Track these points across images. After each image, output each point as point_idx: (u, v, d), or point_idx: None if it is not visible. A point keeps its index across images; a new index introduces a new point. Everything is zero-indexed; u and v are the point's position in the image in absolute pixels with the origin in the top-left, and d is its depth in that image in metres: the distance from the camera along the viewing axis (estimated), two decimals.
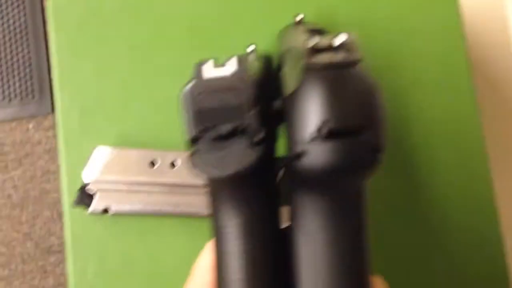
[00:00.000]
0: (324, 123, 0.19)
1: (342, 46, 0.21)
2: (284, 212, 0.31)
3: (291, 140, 0.20)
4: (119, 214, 0.39)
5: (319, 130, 0.19)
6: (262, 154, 0.21)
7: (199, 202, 0.39)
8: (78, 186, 0.39)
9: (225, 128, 0.21)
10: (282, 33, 0.40)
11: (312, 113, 0.19)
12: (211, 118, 0.21)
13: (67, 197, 0.40)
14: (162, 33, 0.42)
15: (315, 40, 0.21)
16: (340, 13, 0.43)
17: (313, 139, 0.19)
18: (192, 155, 0.21)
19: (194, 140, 0.21)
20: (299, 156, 0.20)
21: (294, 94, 0.20)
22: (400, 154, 0.41)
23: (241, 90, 0.21)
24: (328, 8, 0.43)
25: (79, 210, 0.39)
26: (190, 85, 0.21)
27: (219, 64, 0.22)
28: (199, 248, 0.40)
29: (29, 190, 1.03)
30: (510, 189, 0.54)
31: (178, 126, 0.41)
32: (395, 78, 0.42)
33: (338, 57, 0.20)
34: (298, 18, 0.39)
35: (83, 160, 0.39)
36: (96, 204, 0.38)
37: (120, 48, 0.42)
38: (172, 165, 0.39)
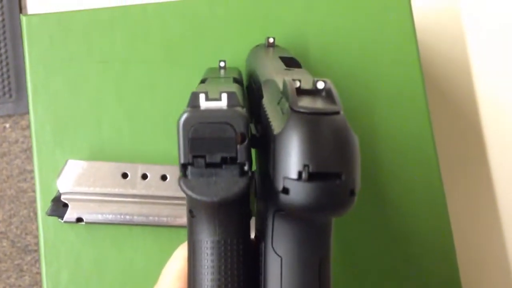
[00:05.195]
0: (306, 166, 0.21)
1: (323, 90, 0.24)
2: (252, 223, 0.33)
3: (276, 176, 0.22)
4: (92, 223, 0.40)
5: (302, 171, 0.21)
6: (250, 183, 0.23)
7: (169, 213, 0.40)
8: (52, 196, 0.40)
9: (217, 157, 0.23)
10: (253, 51, 0.42)
11: (296, 156, 0.21)
12: (205, 147, 0.23)
13: (41, 206, 0.41)
14: (134, 48, 0.44)
15: (298, 81, 0.24)
16: (305, 34, 0.45)
17: (297, 179, 0.21)
18: (183, 178, 0.23)
19: (186, 165, 0.23)
20: (283, 191, 0.22)
21: (280, 134, 0.22)
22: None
23: (235, 124, 0.23)
24: (294, 28, 0.45)
25: (53, 217, 0.41)
26: (187, 114, 0.23)
27: (210, 97, 0.24)
28: (169, 256, 0.42)
29: (5, 189, 1.03)
30: (460, 195, 0.58)
31: (149, 140, 0.43)
32: (354, 92, 0.44)
33: (323, 104, 0.23)
34: (270, 40, 0.40)
35: (57, 172, 0.40)
36: (69, 215, 0.40)
37: (92, 63, 0.43)
38: (143, 177, 0.40)
